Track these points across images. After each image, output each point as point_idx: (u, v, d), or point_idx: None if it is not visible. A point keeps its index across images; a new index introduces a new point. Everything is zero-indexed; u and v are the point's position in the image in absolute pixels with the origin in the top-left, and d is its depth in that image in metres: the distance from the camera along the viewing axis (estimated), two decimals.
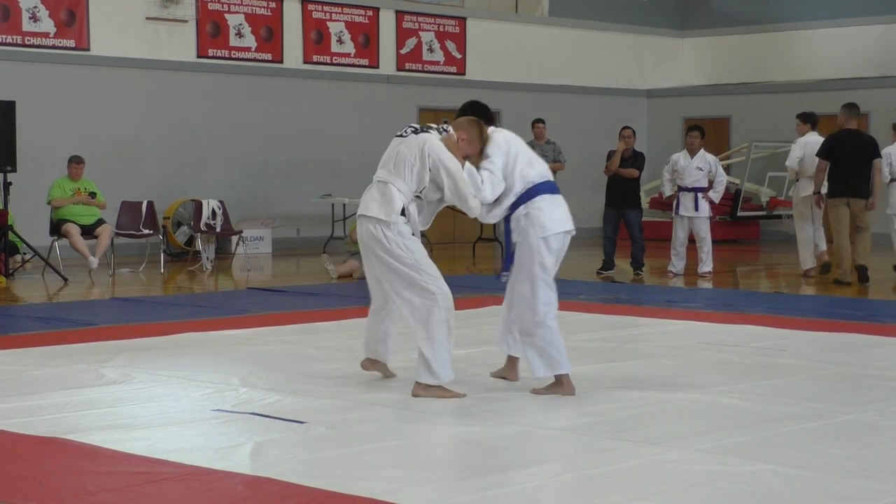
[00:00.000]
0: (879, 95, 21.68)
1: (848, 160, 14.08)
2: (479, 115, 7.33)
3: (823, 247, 15.24)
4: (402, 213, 6.92)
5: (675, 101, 24.03)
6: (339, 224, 19.08)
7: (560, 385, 7.10)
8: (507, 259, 7.25)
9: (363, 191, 7.18)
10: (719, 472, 5.33)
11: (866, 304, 12.41)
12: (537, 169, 7.20)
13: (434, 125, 7.21)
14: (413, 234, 6.98)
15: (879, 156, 14.46)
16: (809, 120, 15.29)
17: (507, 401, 6.92)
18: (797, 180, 15.30)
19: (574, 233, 7.25)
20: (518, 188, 7.13)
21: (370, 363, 7.53)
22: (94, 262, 14.80)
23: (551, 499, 5.11)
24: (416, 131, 7.09)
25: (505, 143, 7.17)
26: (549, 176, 7.29)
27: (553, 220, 7.10)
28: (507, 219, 7.22)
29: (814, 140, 14.97)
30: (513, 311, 7.23)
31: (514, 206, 7.14)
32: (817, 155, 14.30)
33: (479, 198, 7.03)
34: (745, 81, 23.77)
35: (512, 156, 7.14)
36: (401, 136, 7.10)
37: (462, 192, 6.97)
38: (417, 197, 7.04)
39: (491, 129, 7.27)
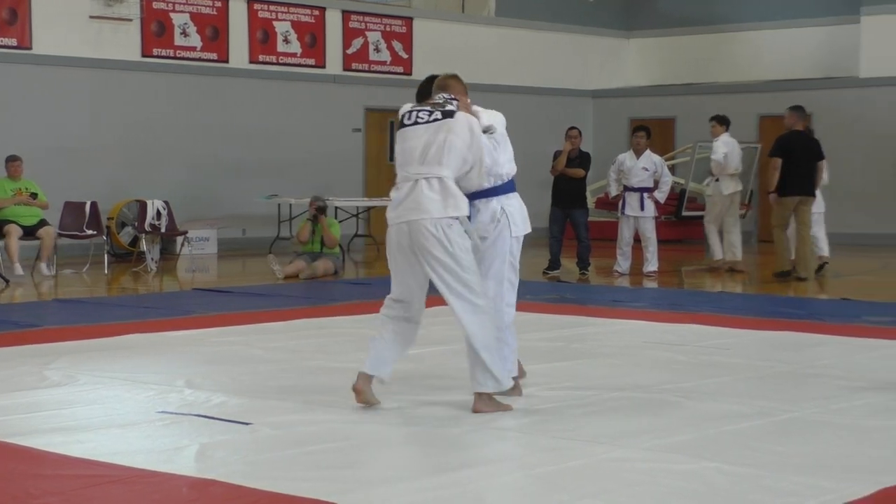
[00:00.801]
0: (824, 97, 21.89)
1: (801, 161, 14.56)
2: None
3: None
4: None
5: (621, 102, 24.14)
6: (286, 224, 19.02)
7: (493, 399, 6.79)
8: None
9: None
10: (665, 471, 5.36)
11: (809, 304, 12.54)
12: (512, 163, 6.93)
13: (439, 101, 6.62)
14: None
15: (824, 157, 14.92)
16: (724, 122, 16.03)
17: (453, 401, 6.90)
18: (717, 179, 15.90)
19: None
20: (492, 177, 6.81)
21: (365, 380, 6.66)
22: (19, 269, 14.59)
23: (498, 498, 5.12)
24: (431, 113, 6.51)
25: (501, 122, 6.91)
26: None
27: (525, 220, 6.91)
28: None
29: (731, 141, 15.85)
30: None
31: (481, 196, 6.77)
32: (771, 155, 14.73)
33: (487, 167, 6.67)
34: (690, 82, 23.92)
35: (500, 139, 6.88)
36: (418, 122, 6.50)
37: (483, 167, 6.59)
38: None
39: (478, 107, 6.90)
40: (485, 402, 6.52)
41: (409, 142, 6.47)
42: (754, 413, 6.60)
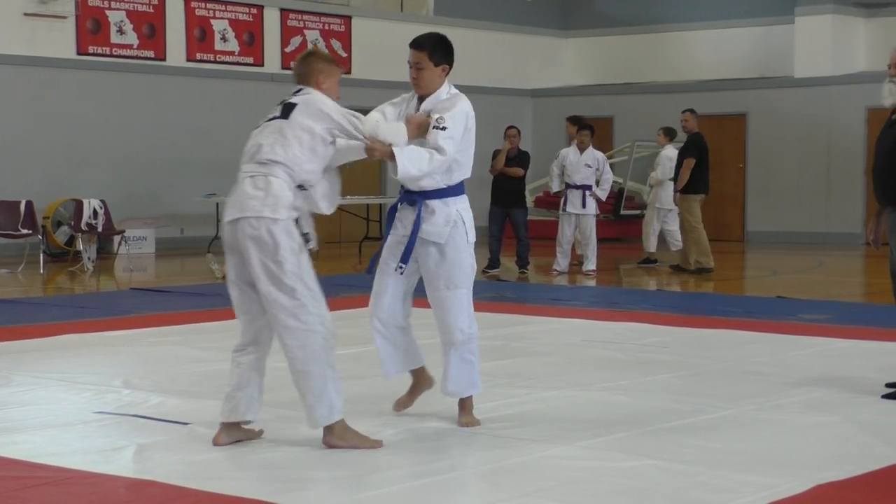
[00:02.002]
0: (758, 96, 22.13)
1: (705, 160, 15.49)
2: (448, 51, 6.26)
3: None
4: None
5: (560, 101, 24.24)
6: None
7: (471, 408, 6.38)
8: (408, 251, 6.22)
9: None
10: (603, 468, 5.39)
11: (744, 301, 12.66)
12: (470, 166, 6.31)
13: (289, 97, 6.02)
14: (306, 236, 5.90)
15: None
16: (579, 124, 16.52)
17: (391, 402, 6.89)
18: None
19: None
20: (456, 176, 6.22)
21: (230, 431, 5.88)
22: None
23: (437, 497, 5.12)
24: (278, 112, 5.96)
25: (461, 117, 6.14)
26: None
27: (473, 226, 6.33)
28: (410, 204, 6.21)
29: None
30: (442, 322, 6.25)
31: (438, 196, 6.17)
32: (691, 155, 15.35)
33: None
34: (628, 82, 24.07)
35: (467, 135, 6.17)
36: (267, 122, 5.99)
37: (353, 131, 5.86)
38: (299, 187, 5.89)
39: (455, 91, 6.25)
40: (337, 436, 5.73)
41: (249, 141, 5.98)
42: (691, 410, 6.65)
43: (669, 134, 16.72)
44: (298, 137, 5.82)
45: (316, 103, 5.88)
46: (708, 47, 23.35)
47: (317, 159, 5.86)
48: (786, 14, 22.16)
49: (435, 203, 6.16)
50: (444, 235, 6.15)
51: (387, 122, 6.11)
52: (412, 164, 5.92)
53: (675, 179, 15.72)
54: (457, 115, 6.09)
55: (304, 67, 6.09)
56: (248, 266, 5.78)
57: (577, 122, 16.49)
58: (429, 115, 6.12)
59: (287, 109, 5.92)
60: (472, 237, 6.25)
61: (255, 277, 5.76)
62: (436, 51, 6.22)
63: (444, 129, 6.02)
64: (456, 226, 6.17)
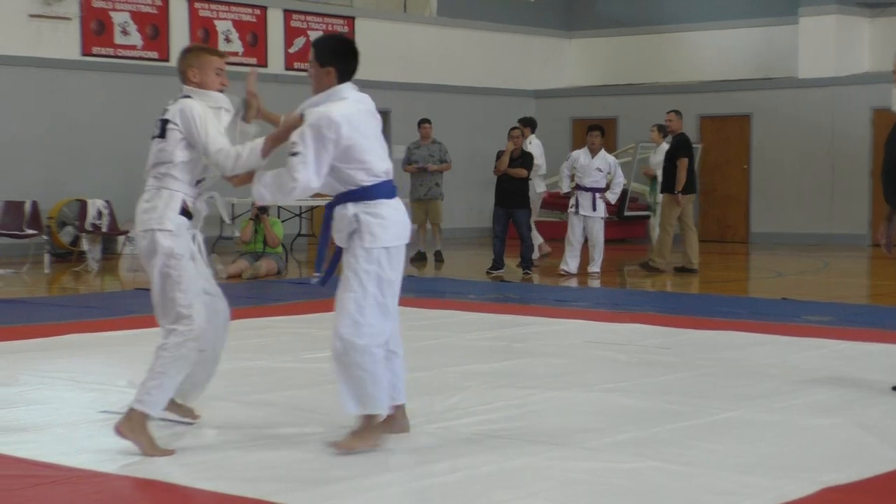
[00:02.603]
0: (762, 97, 22.11)
1: (692, 160, 15.80)
2: (337, 54, 6.18)
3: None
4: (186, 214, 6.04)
5: (563, 102, 24.24)
6: (228, 224, 18.93)
7: (366, 431, 5.79)
8: (320, 259, 6.23)
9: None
10: (605, 470, 5.40)
11: (748, 303, 12.65)
12: (383, 164, 5.94)
13: (170, 103, 6.09)
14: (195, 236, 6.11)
15: None
16: (531, 124, 16.89)
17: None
18: (531, 179, 16.46)
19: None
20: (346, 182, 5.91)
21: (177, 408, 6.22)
22: None
23: (437, 498, 5.13)
24: (157, 131, 6.08)
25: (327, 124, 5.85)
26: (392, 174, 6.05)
27: (393, 227, 5.90)
28: (328, 210, 6.01)
29: (539, 143, 16.92)
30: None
31: (337, 203, 5.94)
32: (684, 155, 15.54)
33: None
34: (631, 83, 24.06)
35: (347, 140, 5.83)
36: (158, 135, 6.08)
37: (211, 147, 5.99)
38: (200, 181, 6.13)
39: (330, 94, 6.05)
40: (129, 426, 5.74)
41: (150, 150, 6.13)
42: (694, 412, 6.66)
43: (662, 130, 16.89)
44: (179, 152, 6.05)
45: (187, 123, 5.99)
46: (711, 48, 23.34)
47: (207, 167, 6.11)
48: (789, 14, 22.15)
49: (337, 209, 5.93)
50: (344, 240, 5.90)
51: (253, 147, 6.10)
52: (267, 190, 6.01)
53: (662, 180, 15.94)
54: (305, 134, 5.84)
55: (179, 65, 6.19)
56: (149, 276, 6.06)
57: (530, 124, 16.57)
58: (301, 117, 6.01)
59: (163, 127, 6.05)
60: (375, 242, 5.82)
61: (152, 284, 6.05)
62: (321, 52, 6.14)
63: (295, 154, 5.86)
64: (356, 230, 5.85)
